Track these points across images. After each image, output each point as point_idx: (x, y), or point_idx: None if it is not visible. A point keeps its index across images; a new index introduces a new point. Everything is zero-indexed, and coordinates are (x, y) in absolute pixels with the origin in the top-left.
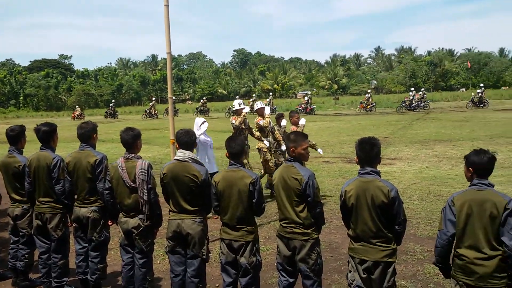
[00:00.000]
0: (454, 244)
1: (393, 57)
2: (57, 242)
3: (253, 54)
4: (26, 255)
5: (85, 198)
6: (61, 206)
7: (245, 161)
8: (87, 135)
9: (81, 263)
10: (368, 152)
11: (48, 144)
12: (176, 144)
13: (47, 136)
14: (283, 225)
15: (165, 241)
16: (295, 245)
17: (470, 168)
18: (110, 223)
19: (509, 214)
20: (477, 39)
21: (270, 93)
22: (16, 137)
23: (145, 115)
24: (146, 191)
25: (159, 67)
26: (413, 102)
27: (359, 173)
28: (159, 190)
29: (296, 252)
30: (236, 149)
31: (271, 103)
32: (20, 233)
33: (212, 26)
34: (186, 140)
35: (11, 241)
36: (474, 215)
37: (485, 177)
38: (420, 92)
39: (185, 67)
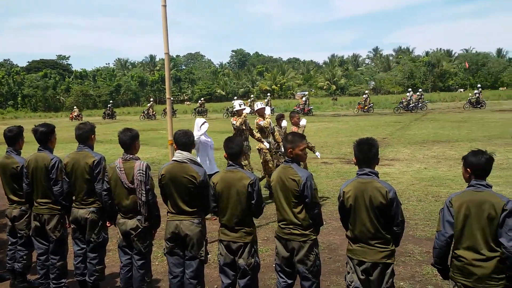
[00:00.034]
0: (452, 245)
1: (391, 58)
2: (55, 243)
3: (251, 54)
4: (24, 257)
5: (83, 199)
6: (59, 207)
7: (245, 162)
8: (85, 136)
9: (79, 265)
10: (366, 153)
11: (46, 145)
12: (174, 145)
13: (45, 137)
14: (282, 226)
15: (163, 243)
16: (293, 246)
17: (468, 169)
18: (108, 225)
19: (507, 215)
20: (475, 40)
21: (268, 94)
22: (14, 138)
23: (143, 116)
24: (144, 192)
25: (157, 68)
26: (411, 102)
27: (357, 174)
28: (157, 191)
29: (294, 253)
30: (235, 150)
31: (269, 104)
32: (18, 235)
33: (211, 27)
34: (184, 141)
35: (9, 243)
36: (472, 216)
37: (483, 178)
38: (418, 93)
39: (184, 67)
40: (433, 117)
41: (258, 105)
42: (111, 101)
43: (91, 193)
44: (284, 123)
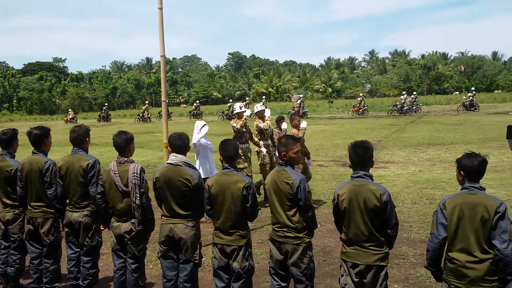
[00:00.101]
0: (446, 247)
1: (387, 61)
2: (49, 247)
3: (247, 57)
4: (17, 261)
5: (77, 202)
6: (53, 211)
7: (245, 164)
8: (80, 138)
9: (72, 268)
10: (361, 156)
11: (40, 148)
12: (169, 148)
13: (39, 139)
14: (276, 229)
15: (157, 246)
16: (287, 249)
17: (462, 172)
18: (102, 228)
19: (500, 218)
20: (470, 43)
21: (264, 97)
22: (8, 141)
23: (138, 118)
24: (138, 195)
25: (154, 70)
26: (405, 105)
27: (351, 176)
28: (151, 194)
29: (288, 256)
30: (231, 153)
31: (265, 106)
32: (11, 238)
33: (207, 29)
34: (179, 143)
35: (2, 246)
36: (466, 218)
37: (476, 181)
38: (412, 96)
39: (180, 70)
40: (429, 119)
41: (258, 107)
42: (106, 104)
43: (85, 196)
44: (284, 125)
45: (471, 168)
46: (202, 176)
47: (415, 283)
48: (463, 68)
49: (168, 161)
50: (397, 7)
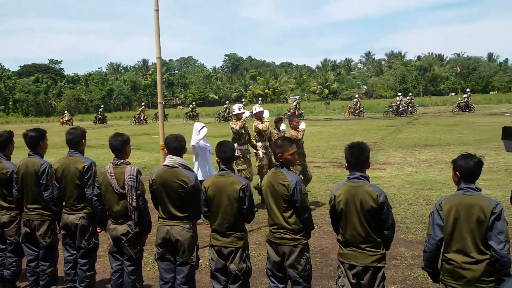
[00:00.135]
0: (443, 248)
1: (383, 62)
2: (45, 249)
3: (244, 59)
4: (14, 263)
5: (73, 204)
6: (50, 213)
7: (244, 166)
8: (76, 140)
9: (69, 271)
10: (358, 157)
11: (36, 150)
12: (165, 149)
13: (35, 142)
14: (272, 230)
15: (154, 248)
16: (284, 250)
17: (457, 173)
18: (99, 230)
19: (496, 218)
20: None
21: (260, 98)
22: (4, 143)
23: (134, 120)
24: (135, 197)
25: (150, 72)
26: (400, 107)
27: (348, 178)
28: (148, 196)
29: (285, 258)
30: (228, 154)
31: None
32: (8, 241)
33: (204, 31)
34: (175, 145)
35: None
36: (462, 219)
37: (472, 182)
38: (408, 97)
39: (176, 72)
40: (425, 121)
41: (256, 108)
42: (101, 106)
43: (81, 199)
44: (283, 126)
45: (467, 169)
46: (201, 178)
47: (412, 284)
48: (459, 70)
49: (165, 163)
50: (393, 9)
